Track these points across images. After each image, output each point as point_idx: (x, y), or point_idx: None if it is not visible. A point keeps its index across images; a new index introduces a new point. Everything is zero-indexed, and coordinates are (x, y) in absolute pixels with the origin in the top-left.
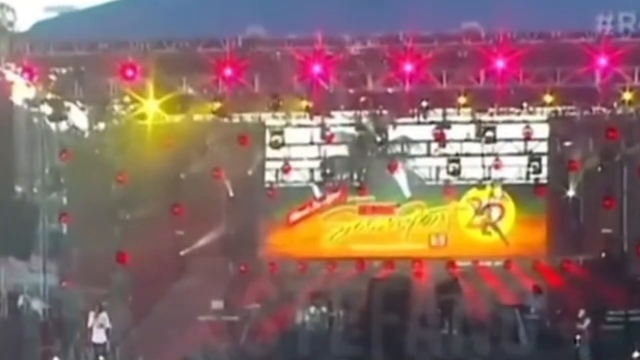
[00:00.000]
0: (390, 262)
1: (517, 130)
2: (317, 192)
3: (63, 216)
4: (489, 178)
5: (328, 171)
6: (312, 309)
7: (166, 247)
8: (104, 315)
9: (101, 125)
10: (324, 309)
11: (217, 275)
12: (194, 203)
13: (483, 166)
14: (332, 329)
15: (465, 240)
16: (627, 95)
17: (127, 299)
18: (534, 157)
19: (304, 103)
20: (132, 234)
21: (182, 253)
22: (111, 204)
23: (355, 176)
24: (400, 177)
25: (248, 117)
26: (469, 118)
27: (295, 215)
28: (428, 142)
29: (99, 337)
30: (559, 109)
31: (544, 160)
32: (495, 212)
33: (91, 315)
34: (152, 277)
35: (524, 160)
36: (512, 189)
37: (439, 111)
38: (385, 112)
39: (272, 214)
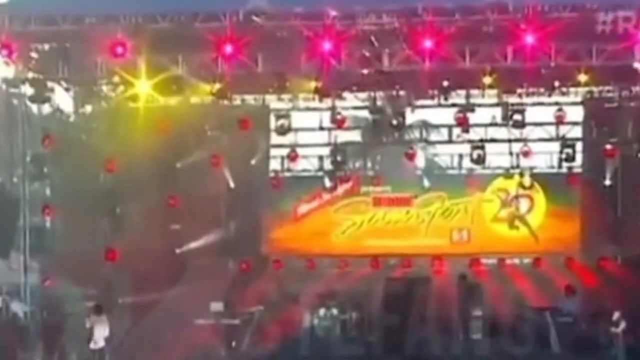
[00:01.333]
0: (407, 260)
1: (548, 114)
2: (327, 182)
3: (46, 209)
4: (517, 166)
5: (339, 159)
6: (322, 312)
7: (160, 243)
8: (104, 318)
9: (88, 108)
10: (334, 311)
11: (216, 274)
12: (191, 195)
13: (510, 153)
14: (344, 333)
15: (491, 236)
16: None
17: (117, 301)
18: (566, 143)
19: (313, 84)
20: (123, 229)
21: (178, 250)
22: (99, 195)
23: (369, 164)
24: (418, 165)
25: (250, 99)
26: (494, 100)
27: (303, 208)
28: (450, 127)
29: (97, 342)
30: (595, 89)
31: (578, 146)
32: (523, 204)
33: (90, 318)
34: (144, 276)
35: (555, 146)
36: (542, 179)
37: (462, 92)
38: (402, 93)
39: (277, 206)
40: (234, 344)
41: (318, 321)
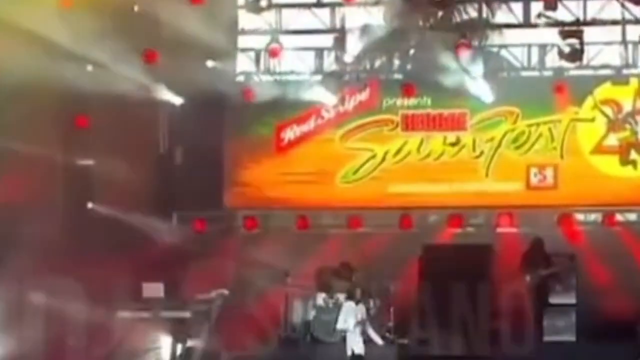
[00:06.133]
0: (457, 216)
1: None
2: (328, 92)
3: None
4: (633, 65)
5: (348, 54)
6: (322, 299)
7: (61, 191)
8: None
9: None
10: (340, 297)
11: (152, 239)
12: (111, 112)
13: (623, 43)
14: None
15: (591, 176)
16: None
17: None
18: None
19: None
20: None
21: (90, 204)
22: None
23: (396, 62)
24: (475, 63)
25: None
26: None
27: (291, 132)
28: (525, 1)
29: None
30: None
31: None
32: None
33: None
34: (35, 242)
35: None
36: None
37: None
38: None
39: (250, 131)
40: (180, 347)
41: (316, 313)
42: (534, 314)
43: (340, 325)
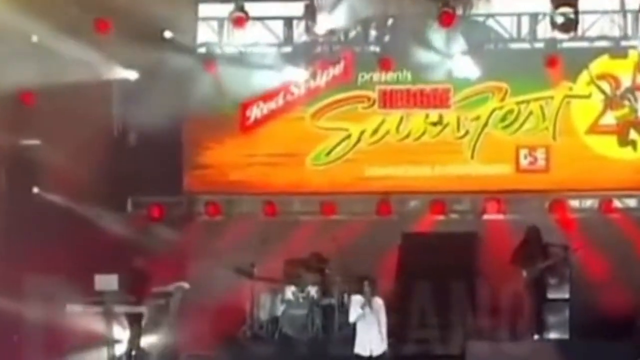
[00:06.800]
0: (439, 201)
1: None
2: (298, 66)
3: None
4: (632, 36)
5: (319, 24)
6: (291, 293)
7: (2, 175)
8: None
9: None
10: (312, 291)
11: (104, 227)
12: (57, 87)
13: (622, 12)
14: (328, 328)
15: (587, 158)
16: None
17: None
18: None
19: None
20: None
21: (36, 189)
22: None
23: (372, 34)
24: (459, 34)
25: None
26: None
27: (258, 110)
28: None
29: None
30: None
31: None
32: None
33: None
34: None
35: None
36: None
37: None
38: None
39: (212, 109)
40: (135, 345)
41: (285, 308)
42: (532, 310)
43: (352, 318)
